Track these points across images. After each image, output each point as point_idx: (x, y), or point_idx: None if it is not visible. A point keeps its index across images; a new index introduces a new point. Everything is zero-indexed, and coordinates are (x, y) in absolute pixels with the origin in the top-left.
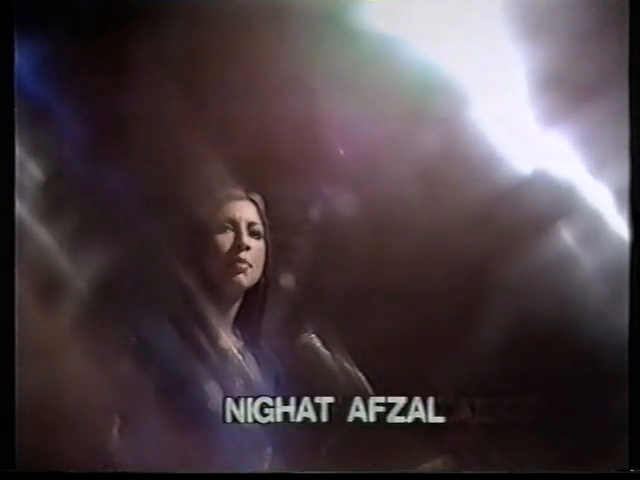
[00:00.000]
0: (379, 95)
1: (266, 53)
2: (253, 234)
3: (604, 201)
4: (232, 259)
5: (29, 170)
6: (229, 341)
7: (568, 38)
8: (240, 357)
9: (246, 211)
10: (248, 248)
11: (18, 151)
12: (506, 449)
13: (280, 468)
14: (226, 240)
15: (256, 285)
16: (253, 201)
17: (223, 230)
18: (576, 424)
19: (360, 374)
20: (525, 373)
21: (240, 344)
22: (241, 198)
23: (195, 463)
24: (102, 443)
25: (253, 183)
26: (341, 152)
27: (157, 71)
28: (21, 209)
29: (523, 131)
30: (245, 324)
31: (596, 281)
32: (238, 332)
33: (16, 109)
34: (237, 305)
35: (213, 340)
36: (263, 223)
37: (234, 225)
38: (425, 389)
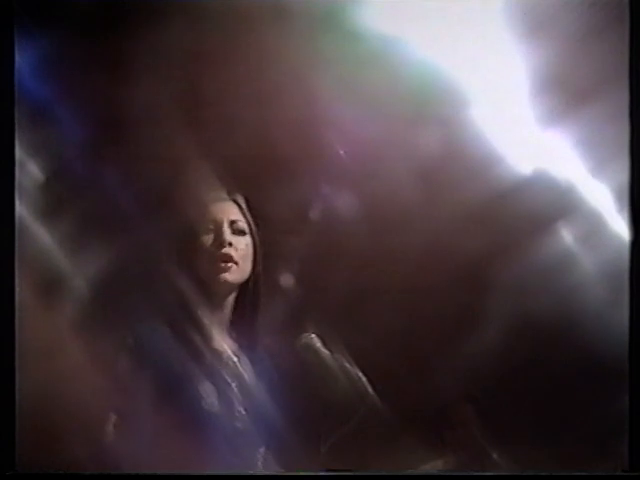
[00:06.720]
0: (379, 95)
1: (266, 53)
2: (237, 232)
3: (604, 201)
4: (215, 256)
5: (29, 170)
6: (224, 343)
7: (568, 39)
8: (235, 359)
9: (228, 211)
10: (230, 244)
11: (18, 151)
12: (506, 449)
13: (273, 468)
14: (209, 240)
15: (246, 282)
16: (235, 201)
17: (207, 231)
18: (576, 424)
19: (360, 374)
20: (525, 373)
21: (235, 346)
22: (224, 199)
23: (189, 462)
24: (101, 444)
25: (252, 183)
26: (341, 152)
27: (157, 71)
28: (21, 209)
29: (523, 131)
30: (240, 325)
31: (596, 281)
32: (234, 335)
33: (16, 109)
34: (231, 305)
35: (207, 341)
36: (247, 221)
37: (216, 225)
38: (425, 389)
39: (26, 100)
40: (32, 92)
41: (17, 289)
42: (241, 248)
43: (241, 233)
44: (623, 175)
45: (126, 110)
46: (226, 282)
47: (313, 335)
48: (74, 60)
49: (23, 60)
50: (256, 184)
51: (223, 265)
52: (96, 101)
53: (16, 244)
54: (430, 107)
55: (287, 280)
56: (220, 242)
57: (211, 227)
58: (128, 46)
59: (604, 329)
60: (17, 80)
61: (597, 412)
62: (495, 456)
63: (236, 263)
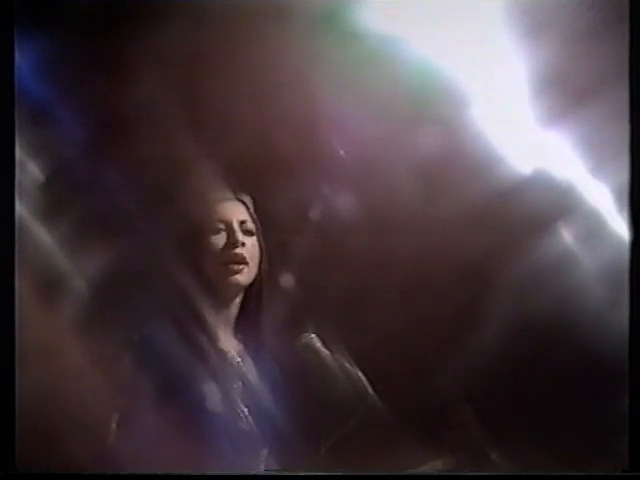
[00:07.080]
0: (379, 95)
1: (266, 53)
2: (246, 232)
3: (604, 201)
4: (228, 257)
5: (29, 170)
6: (229, 344)
7: (568, 38)
8: (239, 359)
9: (236, 211)
10: (243, 244)
11: (18, 151)
12: (506, 449)
13: (276, 469)
14: (220, 240)
15: (252, 283)
16: (242, 201)
17: (216, 231)
18: (576, 424)
19: (360, 374)
20: (525, 373)
21: (240, 347)
22: (230, 199)
23: (192, 462)
24: (101, 444)
25: (253, 183)
26: (341, 152)
27: (157, 71)
28: (21, 209)
29: (523, 131)
30: (245, 325)
31: (596, 281)
32: (239, 335)
33: (16, 109)
34: (237, 306)
35: (212, 341)
36: (254, 221)
37: (226, 225)
38: (424, 389)
39: (26, 100)
40: (32, 92)
41: (17, 289)
42: (250, 247)
43: (249, 233)
44: (623, 175)
45: (126, 110)
46: (237, 284)
47: (313, 335)
48: (74, 60)
49: (23, 60)
50: (256, 184)
51: (235, 267)
52: (96, 101)
53: (16, 244)
54: (430, 107)
55: (287, 280)
56: (233, 242)
57: (221, 227)
58: (128, 46)
59: (604, 329)
60: (17, 80)
61: (597, 412)
62: (494, 456)
63: (247, 264)
